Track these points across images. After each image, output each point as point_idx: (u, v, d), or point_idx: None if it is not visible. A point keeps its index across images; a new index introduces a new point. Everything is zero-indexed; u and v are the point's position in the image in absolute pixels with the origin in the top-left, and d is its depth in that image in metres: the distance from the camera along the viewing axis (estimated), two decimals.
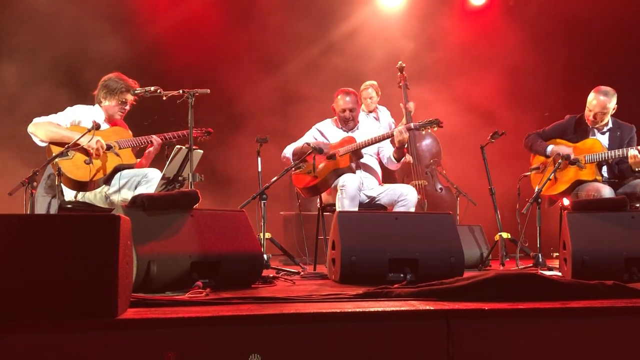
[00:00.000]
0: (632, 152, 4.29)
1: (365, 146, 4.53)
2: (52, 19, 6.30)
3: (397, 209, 4.41)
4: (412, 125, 4.48)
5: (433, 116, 4.45)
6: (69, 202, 3.95)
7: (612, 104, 4.50)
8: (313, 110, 6.21)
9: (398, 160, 4.62)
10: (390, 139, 4.52)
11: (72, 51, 6.40)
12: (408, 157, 5.86)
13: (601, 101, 4.48)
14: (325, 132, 4.79)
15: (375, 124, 5.63)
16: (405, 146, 4.58)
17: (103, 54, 6.40)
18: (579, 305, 2.14)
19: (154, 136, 4.15)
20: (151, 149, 4.18)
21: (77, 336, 1.79)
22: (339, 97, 4.76)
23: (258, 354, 1.83)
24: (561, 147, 4.59)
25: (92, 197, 3.97)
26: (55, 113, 4.02)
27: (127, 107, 4.21)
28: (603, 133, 4.62)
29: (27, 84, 6.18)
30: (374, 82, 5.92)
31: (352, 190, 4.31)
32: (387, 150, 4.70)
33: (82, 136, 3.82)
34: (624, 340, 2.03)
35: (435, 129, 4.42)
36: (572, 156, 4.47)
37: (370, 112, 5.84)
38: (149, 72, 6.47)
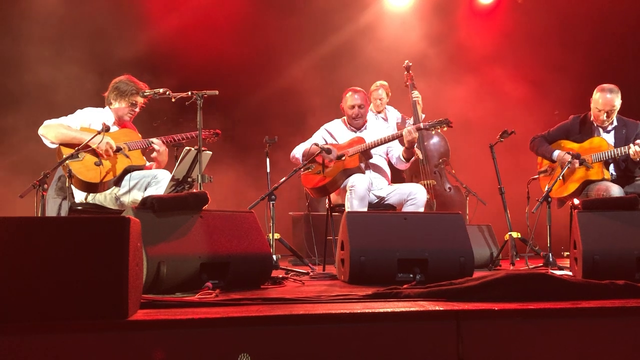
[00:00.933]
0: (634, 149, 4.28)
1: (375, 146, 4.52)
2: (68, 20, 6.36)
3: (406, 208, 4.40)
4: (421, 125, 4.47)
5: (443, 115, 4.44)
6: (80, 204, 3.97)
7: (619, 100, 4.50)
8: (322, 112, 6.22)
9: (407, 160, 4.61)
10: (399, 139, 4.51)
11: (84, 53, 6.46)
12: (418, 153, 5.85)
13: (609, 99, 4.47)
14: (334, 133, 4.79)
15: (383, 124, 5.62)
16: (415, 145, 4.58)
17: (116, 55, 6.46)
18: (590, 305, 2.12)
19: (155, 140, 4.14)
20: (155, 154, 4.16)
21: (87, 337, 1.80)
22: (347, 95, 4.75)
23: (248, 354, 1.83)
24: (568, 152, 4.56)
25: (103, 198, 3.99)
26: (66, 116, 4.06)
27: (137, 110, 4.23)
28: (608, 131, 4.59)
29: (33, 85, 6.25)
30: (385, 83, 5.89)
31: (361, 190, 4.30)
32: (396, 150, 4.69)
33: (92, 138, 3.84)
34: (636, 341, 2.02)
35: (445, 128, 4.41)
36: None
37: (379, 112, 5.83)
38: (163, 72, 6.53)
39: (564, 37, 7.58)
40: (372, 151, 4.59)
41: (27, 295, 1.82)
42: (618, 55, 7.36)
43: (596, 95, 4.54)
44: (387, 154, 4.76)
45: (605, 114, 4.50)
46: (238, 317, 1.92)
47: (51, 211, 3.91)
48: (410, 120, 5.85)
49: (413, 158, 4.66)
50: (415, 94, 5.94)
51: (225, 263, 2.92)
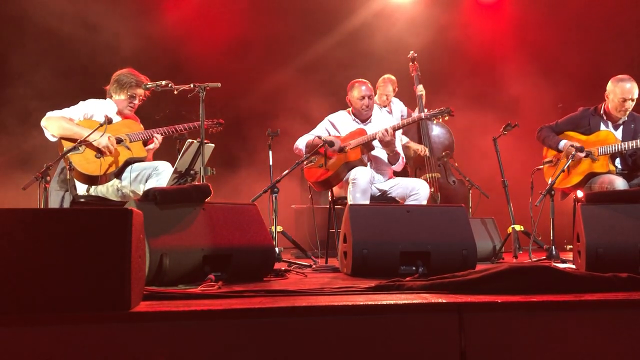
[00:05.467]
0: None
1: (375, 139, 4.51)
2: (71, 12, 6.36)
3: (408, 202, 4.40)
4: (422, 114, 4.46)
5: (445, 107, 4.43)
6: (82, 196, 3.98)
7: (637, 89, 4.47)
8: (324, 103, 6.20)
9: (391, 162, 4.57)
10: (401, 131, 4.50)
11: (85, 46, 6.46)
12: (423, 150, 5.83)
13: (630, 87, 4.42)
14: (338, 124, 4.77)
15: (387, 116, 5.60)
16: (394, 147, 4.53)
17: (118, 48, 6.45)
18: (593, 297, 2.12)
19: (156, 135, 4.13)
20: (151, 145, 4.15)
21: (90, 329, 1.80)
22: (355, 87, 4.72)
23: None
24: (574, 143, 4.53)
25: (105, 190, 4.00)
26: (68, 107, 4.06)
27: (137, 102, 4.22)
28: (617, 126, 4.56)
29: (35, 76, 6.25)
30: (393, 77, 5.84)
31: (363, 183, 4.30)
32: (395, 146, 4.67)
33: (94, 131, 3.84)
34: (639, 333, 2.01)
35: (447, 118, 4.39)
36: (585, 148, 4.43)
37: (384, 106, 5.81)
38: (165, 65, 6.52)
39: (568, 30, 7.54)
40: (374, 143, 4.58)
41: (29, 286, 1.82)
42: (622, 49, 7.31)
43: (616, 86, 4.47)
44: None
45: (630, 101, 4.42)
46: (241, 309, 1.92)
47: (54, 203, 3.92)
48: (415, 114, 5.83)
49: (400, 162, 4.60)
50: (420, 88, 5.91)
51: (228, 255, 2.93)
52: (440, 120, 4.45)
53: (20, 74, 6.29)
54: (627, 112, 4.48)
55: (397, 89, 5.85)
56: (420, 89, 5.89)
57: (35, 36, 6.30)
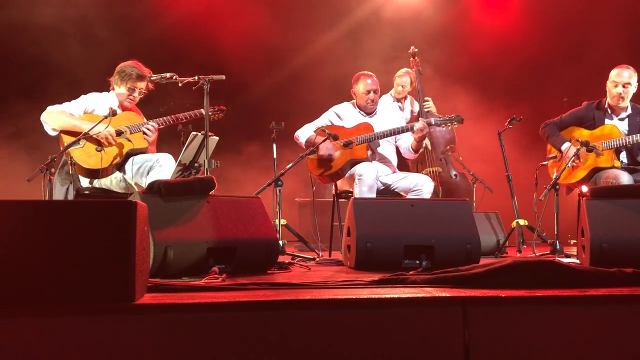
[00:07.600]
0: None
1: (383, 137, 4.51)
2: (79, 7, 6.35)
3: (410, 197, 4.40)
4: (432, 120, 4.45)
5: (450, 104, 4.42)
6: (86, 188, 3.98)
7: (635, 80, 4.44)
8: (326, 97, 6.19)
9: (416, 152, 4.61)
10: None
11: (91, 40, 6.45)
12: (427, 143, 5.82)
13: (625, 74, 4.40)
14: (343, 115, 4.75)
15: (397, 113, 5.57)
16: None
17: (122, 41, 6.45)
18: (598, 292, 2.11)
19: (150, 126, 4.09)
20: (147, 137, 4.05)
21: (94, 320, 1.81)
22: (361, 80, 4.70)
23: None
24: (578, 139, 4.51)
25: (109, 182, 4.00)
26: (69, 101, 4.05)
27: (137, 95, 4.18)
28: (622, 119, 4.54)
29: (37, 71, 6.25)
30: (411, 70, 5.84)
31: (370, 180, 4.30)
32: (405, 139, 4.66)
33: (97, 123, 3.83)
34: None
35: (456, 125, 4.38)
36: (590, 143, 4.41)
37: (398, 100, 5.77)
38: (172, 57, 6.51)
39: (575, 25, 7.49)
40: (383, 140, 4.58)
41: (33, 278, 1.83)
42: (629, 41, 7.27)
43: (614, 72, 4.47)
44: (395, 141, 4.74)
45: (623, 85, 4.40)
46: (244, 301, 1.93)
47: (58, 195, 3.92)
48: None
49: (421, 149, 4.66)
50: (431, 105, 5.86)
51: (232, 248, 2.93)
52: (450, 127, 4.45)
53: (28, 68, 6.29)
54: (625, 100, 4.45)
55: (414, 84, 5.81)
56: (428, 105, 5.83)
57: (39, 28, 6.29)
